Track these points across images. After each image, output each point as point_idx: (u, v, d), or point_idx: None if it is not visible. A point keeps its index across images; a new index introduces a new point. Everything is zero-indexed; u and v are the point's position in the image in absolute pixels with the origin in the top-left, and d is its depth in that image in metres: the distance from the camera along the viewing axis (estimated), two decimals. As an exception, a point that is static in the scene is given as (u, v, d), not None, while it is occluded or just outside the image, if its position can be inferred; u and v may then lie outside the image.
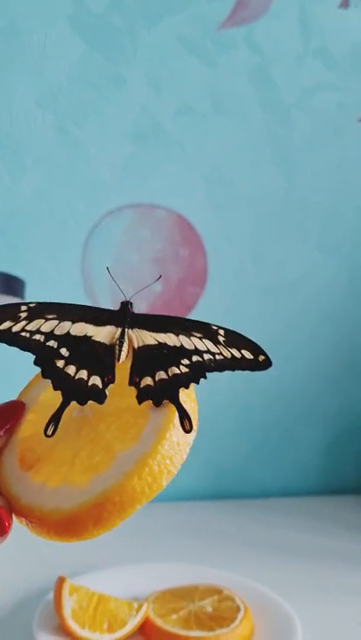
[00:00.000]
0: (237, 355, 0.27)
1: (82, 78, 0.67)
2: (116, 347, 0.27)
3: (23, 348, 0.26)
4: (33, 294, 0.67)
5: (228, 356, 0.27)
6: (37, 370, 0.27)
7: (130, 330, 0.28)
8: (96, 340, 0.27)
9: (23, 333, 0.26)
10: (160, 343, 0.27)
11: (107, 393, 0.26)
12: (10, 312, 0.27)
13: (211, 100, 0.70)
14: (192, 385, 0.26)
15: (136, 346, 0.27)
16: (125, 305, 0.28)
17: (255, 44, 0.70)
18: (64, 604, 0.42)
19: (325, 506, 0.73)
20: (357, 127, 0.74)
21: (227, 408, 0.74)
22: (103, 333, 0.27)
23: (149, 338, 0.27)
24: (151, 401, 0.25)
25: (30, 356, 0.26)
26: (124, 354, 0.27)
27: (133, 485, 0.24)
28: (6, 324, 0.27)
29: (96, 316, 0.28)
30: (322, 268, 0.75)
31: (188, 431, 0.25)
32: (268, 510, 0.70)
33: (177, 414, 0.25)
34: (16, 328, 0.26)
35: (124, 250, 0.70)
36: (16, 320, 0.27)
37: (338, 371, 0.77)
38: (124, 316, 0.28)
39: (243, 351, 0.27)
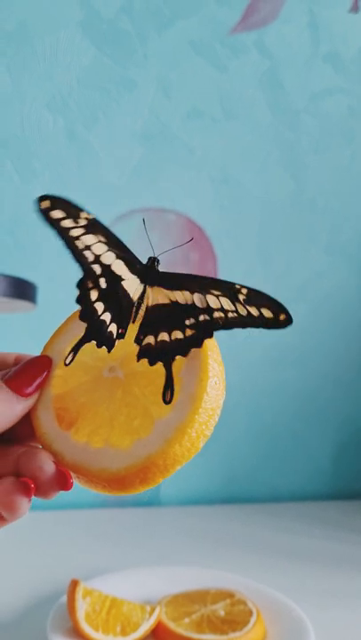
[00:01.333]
0: (255, 313, 0.27)
1: (92, 82, 0.67)
2: (135, 307, 0.28)
3: (73, 255, 0.27)
4: (44, 298, 0.67)
5: (244, 313, 0.27)
6: (57, 325, 0.28)
7: (150, 288, 0.28)
8: (125, 286, 0.28)
9: (77, 242, 0.27)
10: (171, 302, 0.28)
11: (115, 344, 0.27)
12: (74, 212, 0.28)
13: (220, 104, 0.70)
14: (217, 347, 0.27)
15: (150, 304, 0.28)
16: (152, 261, 0.29)
17: (265, 48, 0.70)
18: (77, 607, 0.42)
19: (336, 510, 0.73)
20: (367, 131, 0.74)
21: (237, 412, 0.74)
22: (132, 283, 0.28)
23: (163, 296, 0.28)
24: (147, 360, 0.26)
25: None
26: (140, 316, 0.27)
27: (175, 451, 0.26)
28: (68, 223, 0.27)
29: (131, 260, 0.29)
30: (331, 271, 0.75)
31: (167, 402, 0.26)
32: (279, 515, 0.70)
33: (209, 380, 0.26)
34: (74, 233, 0.27)
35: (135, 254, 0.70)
36: (76, 224, 0.27)
37: (348, 374, 0.77)
38: (147, 273, 0.29)
39: (262, 310, 0.27)
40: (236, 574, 0.52)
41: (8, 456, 0.27)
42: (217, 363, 0.27)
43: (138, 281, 0.28)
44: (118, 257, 0.28)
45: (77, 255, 0.27)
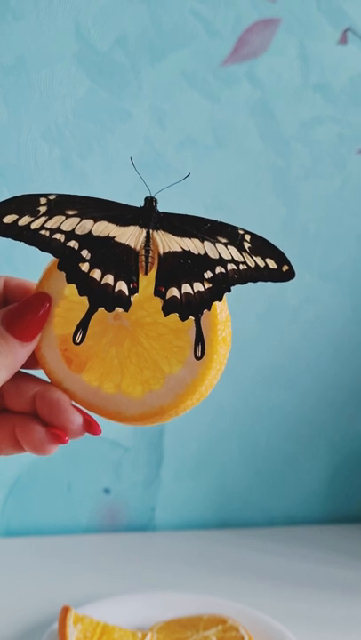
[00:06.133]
0: (261, 264, 0.26)
1: (87, 113, 0.69)
2: (143, 255, 0.26)
3: (43, 249, 0.25)
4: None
5: (252, 265, 0.26)
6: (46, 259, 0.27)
7: (155, 232, 0.27)
8: (120, 241, 0.26)
9: (43, 231, 0.25)
10: (184, 250, 0.26)
11: (132, 301, 0.25)
12: (29, 205, 0.25)
13: (213, 133, 0.72)
14: (224, 298, 0.27)
15: (162, 252, 0.26)
16: (150, 201, 0.28)
17: (256, 79, 0.72)
18: (68, 634, 0.42)
19: (331, 534, 0.72)
20: (357, 158, 0.75)
21: (230, 435, 0.75)
22: (127, 234, 0.26)
23: (174, 243, 0.26)
24: (177, 315, 0.25)
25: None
26: (151, 265, 0.26)
27: (186, 403, 0.27)
28: (25, 220, 0.25)
29: (119, 213, 0.27)
30: (324, 295, 0.76)
31: (198, 358, 0.26)
32: (273, 539, 0.70)
33: (219, 339, 0.26)
34: (35, 225, 0.25)
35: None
36: (35, 215, 0.25)
37: (342, 397, 0.77)
38: (149, 216, 0.27)
39: (267, 260, 0.27)
40: (229, 600, 0.52)
41: (22, 392, 0.27)
42: (224, 318, 0.27)
43: (137, 228, 0.26)
44: (98, 219, 0.26)
45: (46, 245, 0.25)
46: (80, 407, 0.27)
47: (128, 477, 0.72)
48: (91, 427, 0.27)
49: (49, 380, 0.28)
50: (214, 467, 0.74)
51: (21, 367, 0.27)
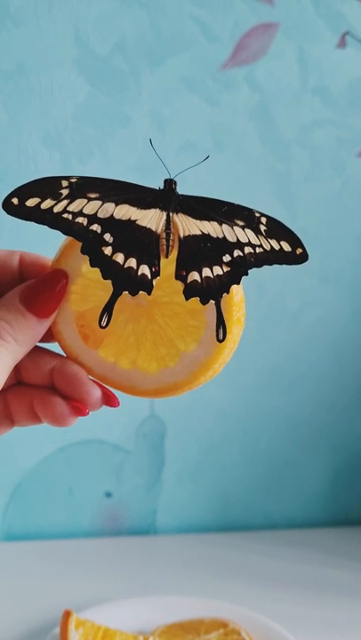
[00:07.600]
0: (276, 246, 0.27)
1: (87, 118, 0.69)
2: (163, 238, 0.26)
3: (66, 232, 0.26)
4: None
5: (268, 248, 0.27)
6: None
7: (175, 215, 0.27)
8: (141, 224, 0.26)
9: (65, 215, 0.25)
10: (204, 234, 0.27)
11: (154, 284, 0.26)
12: (51, 188, 0.26)
13: (212, 137, 0.72)
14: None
15: (182, 235, 0.26)
16: (170, 184, 0.28)
17: (255, 83, 0.72)
18: (70, 637, 0.42)
19: (333, 537, 0.72)
20: (356, 161, 0.76)
21: (231, 439, 0.75)
22: (148, 217, 0.27)
23: (194, 227, 0.27)
24: (198, 299, 0.26)
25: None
26: (171, 247, 0.26)
27: (199, 380, 0.28)
28: (47, 203, 0.25)
29: (140, 196, 0.27)
30: (324, 298, 0.76)
31: (220, 340, 0.26)
32: (274, 542, 0.70)
33: (233, 320, 0.27)
34: (58, 208, 0.25)
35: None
36: (57, 198, 0.26)
37: (343, 400, 0.78)
38: (168, 198, 0.27)
39: (282, 242, 0.27)
40: (231, 603, 0.52)
41: (40, 366, 0.28)
42: (239, 299, 0.29)
43: (157, 211, 0.27)
44: (119, 203, 0.26)
45: (68, 229, 0.26)
46: (97, 381, 0.28)
47: (129, 481, 0.73)
48: (109, 399, 0.28)
49: (65, 355, 0.28)
50: (215, 470, 0.74)
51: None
